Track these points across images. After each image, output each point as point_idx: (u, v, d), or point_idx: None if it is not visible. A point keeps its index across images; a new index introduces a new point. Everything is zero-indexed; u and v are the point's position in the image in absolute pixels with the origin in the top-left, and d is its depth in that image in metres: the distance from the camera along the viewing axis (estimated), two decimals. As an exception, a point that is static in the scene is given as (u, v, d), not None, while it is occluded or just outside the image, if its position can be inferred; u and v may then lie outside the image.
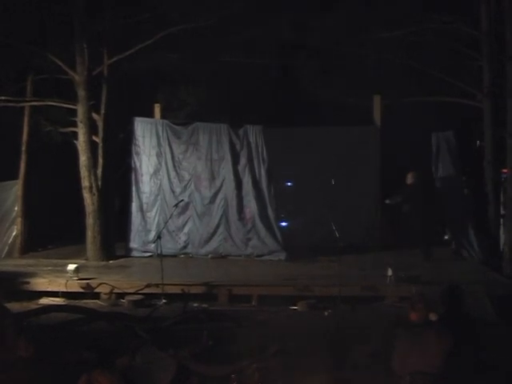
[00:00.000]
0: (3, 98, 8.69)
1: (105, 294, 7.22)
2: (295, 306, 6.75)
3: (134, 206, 9.33)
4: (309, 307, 6.67)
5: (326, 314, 6.38)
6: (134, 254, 9.17)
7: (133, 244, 9.24)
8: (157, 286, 7.06)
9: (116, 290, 7.20)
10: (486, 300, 6.31)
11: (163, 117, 10.28)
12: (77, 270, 7.45)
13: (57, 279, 7.42)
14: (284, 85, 10.11)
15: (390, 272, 6.96)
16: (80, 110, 8.70)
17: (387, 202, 8.93)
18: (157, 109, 10.42)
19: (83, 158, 8.73)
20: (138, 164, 9.37)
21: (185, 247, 9.30)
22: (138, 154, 9.31)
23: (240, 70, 9.97)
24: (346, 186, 10.25)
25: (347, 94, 9.54)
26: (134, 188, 9.33)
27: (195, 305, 6.80)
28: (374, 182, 10.11)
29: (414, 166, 8.72)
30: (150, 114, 10.27)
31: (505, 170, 8.35)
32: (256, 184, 9.54)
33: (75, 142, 9.01)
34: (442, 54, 8.91)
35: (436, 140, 8.82)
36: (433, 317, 3.66)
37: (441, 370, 3.32)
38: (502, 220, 8.53)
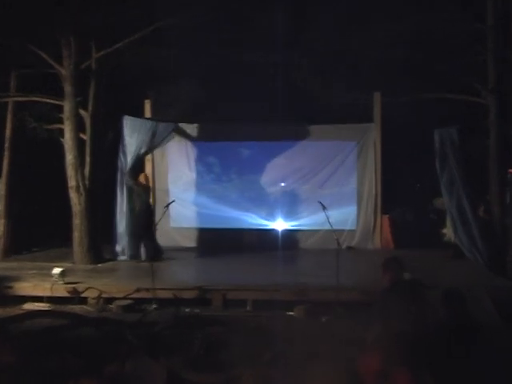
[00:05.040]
0: (-15, 93, 8.67)
1: (92, 298, 7.18)
2: (292, 311, 6.75)
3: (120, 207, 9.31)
4: (306, 313, 6.65)
5: (323, 319, 6.39)
6: (120, 257, 9.15)
7: (118, 247, 9.22)
8: (147, 290, 7.04)
9: (104, 295, 7.15)
10: (490, 304, 6.34)
11: (154, 113, 10.31)
12: (63, 274, 7.41)
13: (42, 283, 7.38)
14: (281, 81, 10.15)
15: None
16: (66, 106, 8.67)
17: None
18: (147, 105, 10.45)
19: (70, 157, 8.70)
20: (124, 164, 9.32)
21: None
22: (124, 154, 9.26)
23: (235, 66, 9.98)
24: (345, 185, 10.32)
25: (346, 91, 9.58)
26: (118, 189, 9.28)
27: (187, 310, 6.79)
28: (374, 182, 10.17)
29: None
30: (141, 111, 10.29)
31: (511, 170, 8.39)
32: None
33: (61, 139, 8.98)
34: (445, 48, 8.93)
35: (439, 137, 8.84)
36: (407, 276, 3.78)
37: (416, 331, 3.40)
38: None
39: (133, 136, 9.21)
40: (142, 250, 9.02)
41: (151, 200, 9.75)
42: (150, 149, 9.54)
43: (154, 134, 9.36)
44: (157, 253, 8.88)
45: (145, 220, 9.03)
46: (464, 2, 8.55)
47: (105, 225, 9.26)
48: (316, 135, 10.40)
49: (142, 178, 9.16)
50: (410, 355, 3.57)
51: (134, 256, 9.03)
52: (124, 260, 9.06)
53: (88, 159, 8.91)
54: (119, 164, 9.29)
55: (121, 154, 9.23)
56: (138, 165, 9.37)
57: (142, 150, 9.31)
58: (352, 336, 4.85)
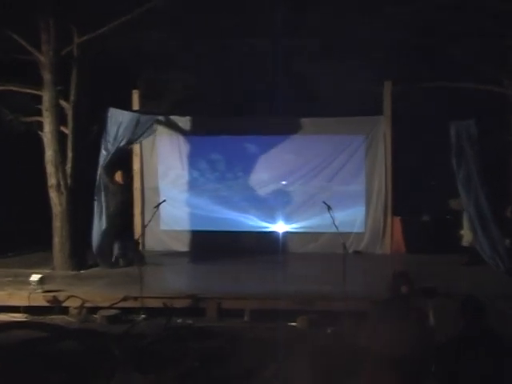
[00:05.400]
0: (-45, 82, 8.63)
1: (74, 308, 7.18)
2: (294, 322, 6.75)
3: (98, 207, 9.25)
4: (309, 323, 6.67)
5: (329, 331, 6.39)
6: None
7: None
8: (135, 298, 7.04)
9: (87, 304, 7.16)
10: (511, 313, 6.35)
11: (143, 105, 10.27)
12: (42, 281, 7.40)
13: (18, 292, 7.36)
14: (282, 71, 10.15)
15: (402, 283, 6.98)
16: (46, 96, 8.62)
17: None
18: (135, 95, 10.41)
19: (49, 152, 8.66)
20: (105, 161, 9.22)
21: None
22: (107, 149, 9.20)
23: (232, 54, 9.96)
24: (352, 184, 10.31)
25: (353, 80, 9.55)
26: (97, 187, 9.20)
27: (179, 320, 6.78)
28: (383, 180, 10.16)
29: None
30: (128, 102, 10.25)
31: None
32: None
33: (40, 133, 8.95)
34: (463, 32, 8.87)
35: (455, 130, 8.82)
36: (404, 289, 3.98)
37: (411, 351, 3.49)
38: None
39: (118, 130, 9.16)
40: (116, 255, 9.04)
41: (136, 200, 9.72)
42: (130, 143, 9.46)
43: (138, 128, 9.32)
44: (136, 258, 8.82)
45: (119, 222, 9.01)
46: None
47: (89, 227, 9.24)
48: (320, 129, 10.36)
49: (118, 176, 9.11)
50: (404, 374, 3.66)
51: (104, 261, 8.99)
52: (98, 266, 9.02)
53: (70, 155, 8.87)
54: (100, 160, 9.25)
55: (103, 150, 9.17)
56: (117, 161, 9.30)
57: (123, 144, 9.23)
58: (359, 348, 4.86)
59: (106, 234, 9.02)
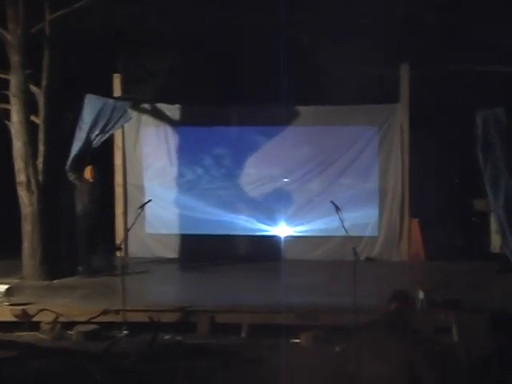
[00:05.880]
0: None
1: (46, 323, 7.14)
2: (297, 338, 6.76)
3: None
4: (315, 340, 6.68)
5: (337, 349, 6.38)
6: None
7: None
8: (116, 312, 7.03)
9: (62, 319, 7.13)
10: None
11: (125, 90, 10.28)
12: (9, 293, 7.40)
13: (-18, 305, 7.37)
14: (285, 53, 10.13)
15: (421, 295, 6.99)
16: (13, 80, 8.61)
17: None
18: (116, 80, 10.44)
19: (18, 145, 8.65)
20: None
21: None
22: (80, 142, 9.17)
23: (228, 33, 9.95)
24: (364, 181, 10.32)
25: (367, 63, 9.56)
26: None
27: (167, 337, 6.77)
28: (400, 177, 10.17)
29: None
30: (109, 87, 10.24)
31: None
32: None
33: (7, 122, 8.95)
34: (489, 8, 8.90)
35: (482, 121, 8.82)
36: (392, 307, 4.09)
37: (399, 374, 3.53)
38: None
39: (95, 119, 9.12)
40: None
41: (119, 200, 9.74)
42: (102, 133, 9.37)
43: (113, 116, 9.28)
44: (108, 267, 8.95)
45: (88, 223, 9.00)
46: None
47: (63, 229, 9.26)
48: (328, 119, 10.40)
49: (87, 173, 9.06)
50: None
51: (73, 270, 9.04)
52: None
53: (41, 148, 8.87)
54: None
55: (75, 142, 9.13)
56: (87, 156, 9.26)
57: (95, 134, 9.17)
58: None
59: (77, 239, 9.03)
